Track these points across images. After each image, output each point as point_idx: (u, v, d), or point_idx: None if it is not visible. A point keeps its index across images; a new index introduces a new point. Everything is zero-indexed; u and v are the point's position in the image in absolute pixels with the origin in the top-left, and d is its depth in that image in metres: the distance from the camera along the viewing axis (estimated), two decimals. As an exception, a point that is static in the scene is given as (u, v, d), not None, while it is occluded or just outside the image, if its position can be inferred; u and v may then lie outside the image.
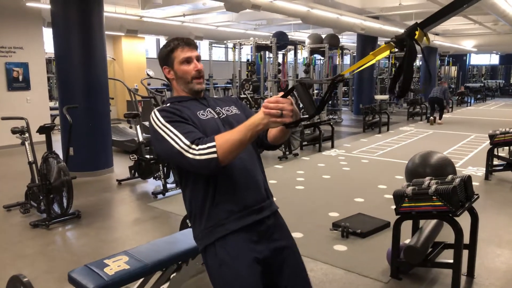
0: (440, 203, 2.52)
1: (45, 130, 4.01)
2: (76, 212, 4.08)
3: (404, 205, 2.68)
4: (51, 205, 3.98)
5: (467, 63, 26.26)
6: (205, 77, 1.72)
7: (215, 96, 1.77)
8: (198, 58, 1.65)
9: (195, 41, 1.95)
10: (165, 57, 1.65)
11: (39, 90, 8.23)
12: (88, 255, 3.28)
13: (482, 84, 23.51)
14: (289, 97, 1.32)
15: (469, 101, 18.03)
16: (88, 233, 3.77)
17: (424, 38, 1.22)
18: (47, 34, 7.70)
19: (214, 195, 1.54)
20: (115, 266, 2.12)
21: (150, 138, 1.62)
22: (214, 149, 1.38)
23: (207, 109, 1.62)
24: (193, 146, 1.41)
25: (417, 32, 1.20)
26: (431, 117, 11.23)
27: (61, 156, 4.56)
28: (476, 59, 26.57)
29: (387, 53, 1.26)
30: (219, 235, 1.53)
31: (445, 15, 1.19)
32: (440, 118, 11.44)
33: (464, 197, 2.69)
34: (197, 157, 1.40)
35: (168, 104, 1.62)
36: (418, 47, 1.27)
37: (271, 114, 1.30)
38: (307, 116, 1.37)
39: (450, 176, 2.83)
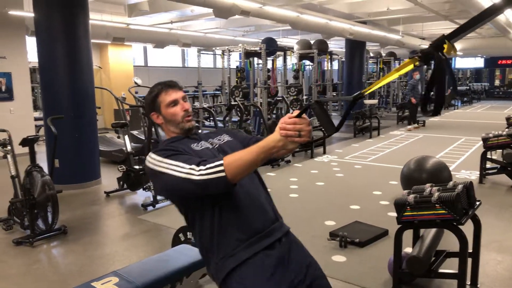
0: (444, 211, 2.43)
1: (28, 142, 3.84)
2: (62, 228, 3.90)
3: (406, 214, 2.58)
4: (35, 221, 3.79)
5: (453, 66, 26.61)
6: (192, 114, 1.71)
7: (205, 132, 1.75)
8: (184, 98, 1.66)
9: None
10: (150, 103, 1.65)
11: (22, 100, 8.00)
12: (75, 274, 3.12)
13: (468, 87, 23.81)
14: (304, 115, 1.27)
15: (456, 104, 18.21)
16: (75, 249, 3.59)
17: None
18: (31, 43, 7.50)
19: (220, 225, 1.47)
20: (104, 288, 1.98)
21: (150, 180, 1.58)
22: (221, 168, 1.32)
23: (200, 142, 1.61)
24: (198, 168, 1.36)
25: (445, 46, 1.13)
26: (408, 126, 10.90)
27: (46, 168, 4.38)
28: (461, 63, 26.94)
29: (410, 67, 1.20)
30: (231, 266, 1.44)
31: (471, 26, 1.13)
32: (409, 123, 10.93)
33: (467, 204, 2.61)
34: (204, 177, 1.34)
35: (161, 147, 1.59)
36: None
37: (289, 135, 1.25)
38: (326, 135, 1.31)
39: (451, 182, 2.74)
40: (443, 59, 1.15)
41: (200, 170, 1.35)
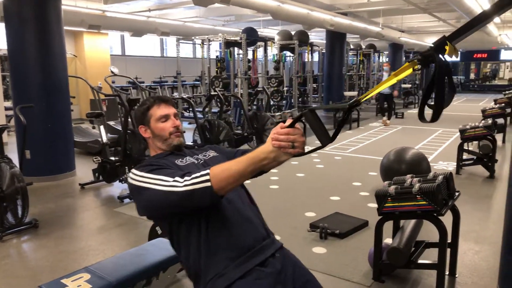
0: (424, 202, 2.42)
1: (-5, 132, 3.65)
2: (33, 221, 3.74)
3: (387, 205, 2.56)
4: (4, 214, 3.62)
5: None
6: (183, 133, 1.67)
7: (190, 148, 1.69)
8: (175, 115, 1.63)
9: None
10: (141, 115, 1.62)
11: (-8, 89, 7.66)
12: (46, 270, 2.99)
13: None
14: (297, 125, 1.20)
15: (433, 96, 18.50)
16: (46, 244, 3.45)
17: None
18: (0, 28, 7.16)
19: (208, 243, 1.38)
20: (74, 286, 1.87)
21: (133, 199, 1.50)
22: (207, 177, 1.24)
23: (185, 157, 1.55)
24: (182, 179, 1.30)
25: (447, 47, 1.07)
26: (383, 118, 10.36)
27: (16, 159, 4.19)
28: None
29: (409, 71, 1.13)
30: (222, 286, 1.35)
31: (473, 27, 1.08)
32: (389, 117, 10.37)
33: (447, 194, 2.61)
34: (189, 187, 1.26)
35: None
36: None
37: (282, 146, 1.18)
38: (320, 146, 1.23)
39: (432, 173, 2.74)
40: (444, 62, 1.10)
41: (184, 181, 1.28)
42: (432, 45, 1.11)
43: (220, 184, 1.24)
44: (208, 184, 1.24)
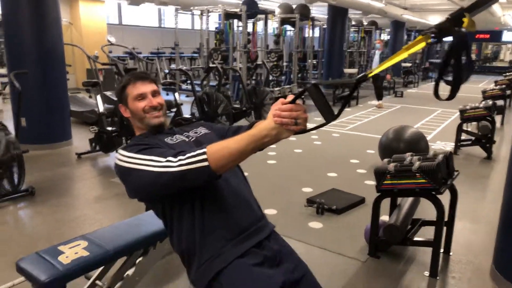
0: (423, 180, 2.41)
1: (-10, 98, 3.57)
2: (30, 189, 3.72)
3: (386, 182, 2.55)
4: (0, 181, 3.59)
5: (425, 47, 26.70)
6: (165, 109, 1.56)
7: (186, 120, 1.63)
8: (154, 93, 1.53)
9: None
10: (119, 94, 1.56)
11: (-14, 54, 7.51)
12: (43, 237, 2.99)
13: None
14: (298, 101, 1.15)
15: (433, 76, 18.40)
16: (42, 212, 3.44)
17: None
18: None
19: (203, 225, 1.34)
20: (72, 253, 1.87)
21: (121, 180, 1.41)
22: (204, 156, 1.19)
23: (175, 135, 1.47)
24: (176, 159, 1.23)
25: (465, 19, 0.99)
26: (379, 102, 9.57)
27: (11, 127, 4.13)
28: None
29: (422, 45, 1.05)
30: (218, 268, 1.31)
31: None
32: (379, 98, 10.01)
33: (446, 173, 2.60)
34: (184, 167, 1.20)
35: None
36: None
37: (284, 123, 1.13)
38: (324, 122, 1.17)
39: (432, 152, 2.72)
40: (462, 35, 1.02)
41: (179, 160, 1.22)
42: (449, 17, 1.04)
43: (218, 163, 1.19)
44: (206, 163, 1.18)
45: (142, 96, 1.51)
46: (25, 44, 5.08)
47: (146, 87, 1.52)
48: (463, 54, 1.06)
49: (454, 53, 1.05)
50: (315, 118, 1.03)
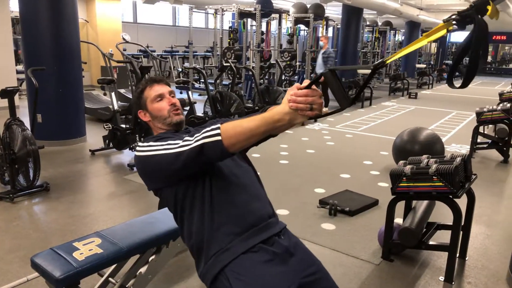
0: (440, 184, 2.36)
1: (7, 94, 3.62)
2: (44, 184, 3.77)
3: (401, 184, 2.51)
4: (16, 176, 3.65)
5: (448, 40, 26.30)
6: (182, 110, 1.64)
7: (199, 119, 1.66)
8: (171, 93, 1.61)
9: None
10: (137, 100, 1.62)
11: (4, 51, 7.61)
12: (57, 233, 3.02)
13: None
14: (313, 86, 1.13)
15: (447, 77, 18.12)
16: (57, 207, 3.47)
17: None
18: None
19: (212, 219, 1.35)
20: (86, 250, 1.88)
21: (141, 171, 1.46)
22: (218, 131, 1.20)
23: (191, 133, 1.49)
24: (191, 138, 1.27)
25: (489, 7, 0.96)
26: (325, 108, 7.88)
27: (27, 123, 4.18)
28: (454, 37, 26.62)
29: (443, 32, 1.02)
30: (225, 261, 1.31)
31: None
32: (325, 104, 8.14)
33: (464, 177, 2.55)
34: (200, 141, 1.23)
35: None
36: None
37: (299, 108, 1.11)
38: (339, 108, 1.15)
39: (449, 155, 2.67)
40: (484, 24, 0.99)
41: (195, 137, 1.25)
42: (473, 4, 1.01)
43: (230, 140, 1.19)
44: (219, 138, 1.20)
45: (160, 97, 1.57)
46: (42, 42, 5.14)
47: (163, 88, 1.59)
48: (482, 43, 1.03)
49: (475, 42, 1.01)
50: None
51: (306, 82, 1.14)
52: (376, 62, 1.12)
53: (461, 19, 1.01)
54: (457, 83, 1.13)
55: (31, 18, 5.16)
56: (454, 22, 1.02)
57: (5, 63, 7.65)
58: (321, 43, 8.05)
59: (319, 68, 8.10)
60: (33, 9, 5.12)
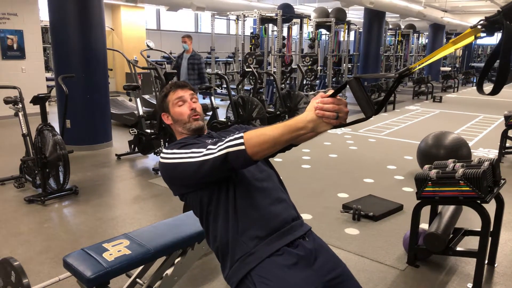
0: (468, 188, 2.32)
1: (39, 100, 3.77)
2: (73, 188, 3.89)
3: (427, 189, 2.48)
4: (47, 180, 3.78)
5: (473, 42, 25.69)
6: (203, 115, 1.68)
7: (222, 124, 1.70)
8: (192, 98, 1.65)
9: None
10: (161, 103, 1.68)
11: (34, 59, 7.91)
12: (86, 235, 3.11)
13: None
14: (338, 96, 1.14)
15: (474, 81, 17.72)
16: (85, 210, 3.58)
17: None
18: (43, 0, 7.32)
19: (237, 223, 1.37)
20: (115, 250, 1.93)
21: (167, 178, 1.51)
22: (241, 140, 1.21)
23: (214, 139, 1.52)
24: (214, 146, 1.29)
25: None
26: None
27: (57, 128, 4.33)
28: (483, 39, 25.98)
29: (471, 39, 1.01)
30: (251, 265, 1.33)
31: None
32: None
33: (492, 182, 2.49)
34: (223, 151, 1.25)
35: None
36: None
37: (326, 116, 1.12)
38: (364, 117, 1.14)
39: (476, 159, 2.62)
40: None
41: (218, 146, 1.27)
42: (501, 10, 0.99)
43: (254, 149, 1.20)
44: (242, 147, 1.21)
45: (181, 100, 1.61)
46: (71, 50, 5.32)
47: (185, 92, 1.64)
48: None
49: (504, 48, 1.00)
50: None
51: (330, 91, 1.15)
52: (401, 70, 1.11)
53: (489, 25, 0.99)
54: (487, 89, 1.12)
55: (60, 27, 5.36)
56: (482, 28, 1.00)
57: (36, 71, 7.95)
58: (185, 45, 6.58)
59: (184, 75, 6.54)
60: (62, 18, 5.31)
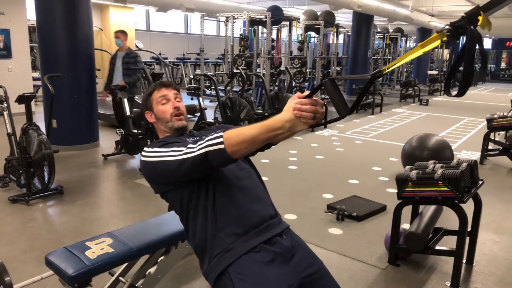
0: (446, 189, 2.39)
1: (24, 99, 3.74)
2: (58, 188, 3.87)
3: (407, 189, 2.54)
4: (32, 179, 3.76)
5: (460, 46, 26.11)
6: (186, 115, 1.70)
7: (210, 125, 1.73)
8: (176, 97, 1.66)
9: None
10: (145, 102, 1.69)
11: (21, 58, 7.84)
12: (70, 234, 3.10)
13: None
14: (314, 96, 1.18)
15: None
16: (70, 210, 3.57)
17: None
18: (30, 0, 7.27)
19: (215, 220, 1.40)
20: (98, 249, 1.95)
21: (147, 176, 1.54)
22: (221, 139, 1.25)
23: (195, 137, 1.55)
24: (194, 145, 1.32)
25: (480, 18, 1.00)
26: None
27: (43, 128, 4.31)
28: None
29: (437, 43, 1.06)
30: (228, 261, 1.37)
31: None
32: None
33: (470, 182, 2.56)
34: (203, 150, 1.28)
35: None
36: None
37: (304, 116, 1.16)
38: (338, 117, 1.20)
39: (455, 160, 2.69)
40: (476, 34, 1.03)
41: (198, 145, 1.30)
42: (464, 15, 1.04)
43: (233, 148, 1.24)
44: (222, 146, 1.24)
45: (165, 98, 1.63)
46: (58, 49, 5.29)
47: (169, 91, 1.66)
48: (476, 52, 1.06)
49: (467, 52, 1.05)
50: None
51: (307, 92, 1.20)
52: (373, 72, 1.16)
53: (454, 30, 1.04)
54: (454, 91, 1.17)
55: (47, 26, 5.32)
56: (447, 32, 1.05)
57: (23, 70, 7.87)
58: (118, 41, 5.90)
59: (119, 78, 5.75)
60: (49, 18, 5.28)
